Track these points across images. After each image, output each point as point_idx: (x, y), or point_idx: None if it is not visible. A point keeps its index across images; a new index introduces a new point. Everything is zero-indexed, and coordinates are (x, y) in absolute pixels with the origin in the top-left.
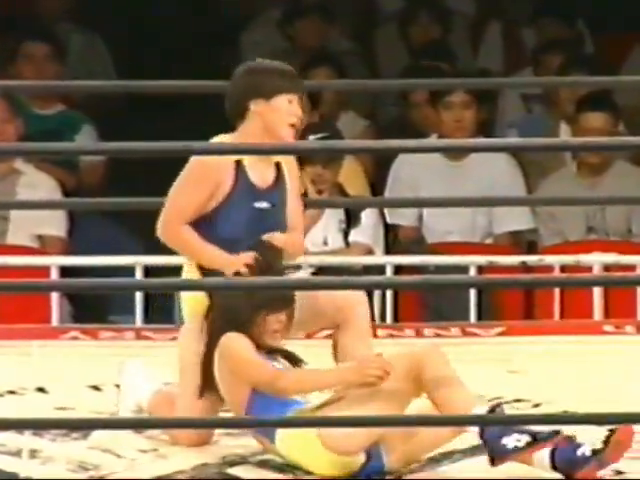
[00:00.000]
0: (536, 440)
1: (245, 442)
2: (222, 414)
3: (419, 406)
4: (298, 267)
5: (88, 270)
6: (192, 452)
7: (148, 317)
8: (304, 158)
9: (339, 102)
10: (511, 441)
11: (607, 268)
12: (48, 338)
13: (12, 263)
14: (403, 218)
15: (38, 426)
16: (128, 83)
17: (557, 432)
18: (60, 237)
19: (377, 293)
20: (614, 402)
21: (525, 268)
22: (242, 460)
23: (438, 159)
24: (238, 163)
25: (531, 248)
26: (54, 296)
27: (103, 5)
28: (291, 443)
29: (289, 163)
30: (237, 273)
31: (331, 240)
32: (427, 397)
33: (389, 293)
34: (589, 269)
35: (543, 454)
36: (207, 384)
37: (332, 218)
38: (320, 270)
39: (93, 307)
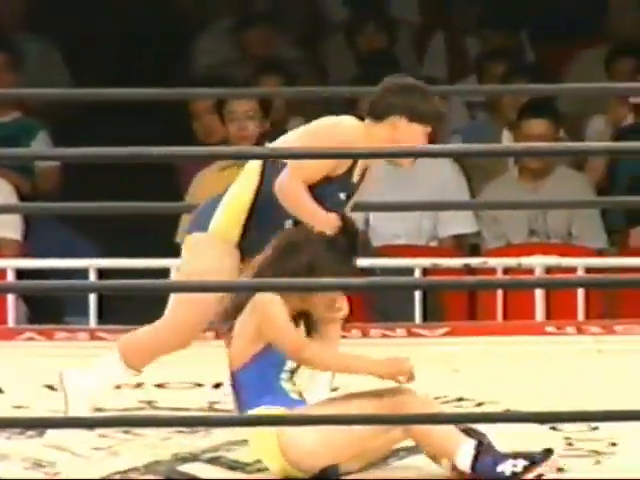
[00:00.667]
0: (533, 462)
1: (197, 440)
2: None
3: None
4: None
5: (43, 272)
6: (144, 449)
7: (102, 318)
8: None
9: (289, 109)
10: (508, 468)
11: (548, 270)
12: (4, 339)
13: None
14: None
15: None
16: (82, 91)
17: (549, 450)
18: (16, 240)
19: None
20: (555, 401)
21: (469, 270)
22: (193, 457)
23: (383, 165)
24: None
25: (474, 251)
26: (10, 298)
27: (58, 15)
28: (253, 432)
29: (372, 169)
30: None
31: None
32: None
33: None
34: (531, 271)
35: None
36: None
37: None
38: None
39: (48, 309)
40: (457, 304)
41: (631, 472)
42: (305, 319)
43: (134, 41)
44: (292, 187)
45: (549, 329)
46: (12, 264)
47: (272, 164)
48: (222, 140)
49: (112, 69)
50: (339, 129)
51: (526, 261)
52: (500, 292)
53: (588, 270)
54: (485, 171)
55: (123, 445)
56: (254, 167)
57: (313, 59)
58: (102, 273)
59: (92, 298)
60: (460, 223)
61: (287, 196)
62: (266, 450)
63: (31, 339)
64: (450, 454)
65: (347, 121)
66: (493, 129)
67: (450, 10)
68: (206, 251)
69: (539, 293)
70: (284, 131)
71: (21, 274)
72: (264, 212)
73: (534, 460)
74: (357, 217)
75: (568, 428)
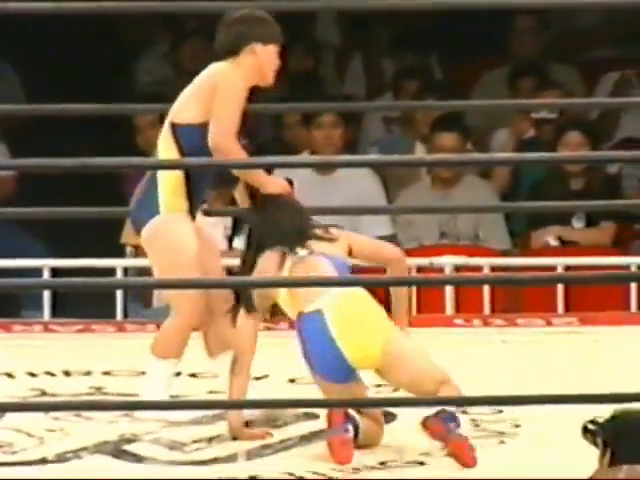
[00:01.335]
0: None
1: (141, 423)
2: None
3: None
4: None
5: (2, 271)
6: (93, 431)
7: (55, 312)
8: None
9: None
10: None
11: (457, 269)
12: None
13: None
14: None
15: None
16: (35, 107)
17: None
18: None
19: None
20: (463, 386)
21: (385, 269)
22: (136, 438)
23: (309, 174)
24: None
25: None
26: None
27: (12, 39)
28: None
29: None
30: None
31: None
32: None
33: None
34: (442, 270)
35: None
36: None
37: (219, 225)
38: None
39: (6, 304)
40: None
41: (533, 450)
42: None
43: (83, 63)
44: (229, 148)
45: (458, 322)
46: None
47: (182, 133)
48: None
49: (62, 88)
50: (230, 81)
51: (437, 261)
52: (414, 289)
53: (493, 269)
54: (400, 179)
55: (74, 427)
56: (166, 144)
57: None
58: (55, 272)
59: (46, 294)
60: (378, 226)
61: (229, 152)
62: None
63: None
64: None
65: (226, 70)
66: (407, 142)
67: (366, 34)
68: (172, 229)
69: (449, 289)
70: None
71: None
72: (197, 176)
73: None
74: None
75: (475, 411)
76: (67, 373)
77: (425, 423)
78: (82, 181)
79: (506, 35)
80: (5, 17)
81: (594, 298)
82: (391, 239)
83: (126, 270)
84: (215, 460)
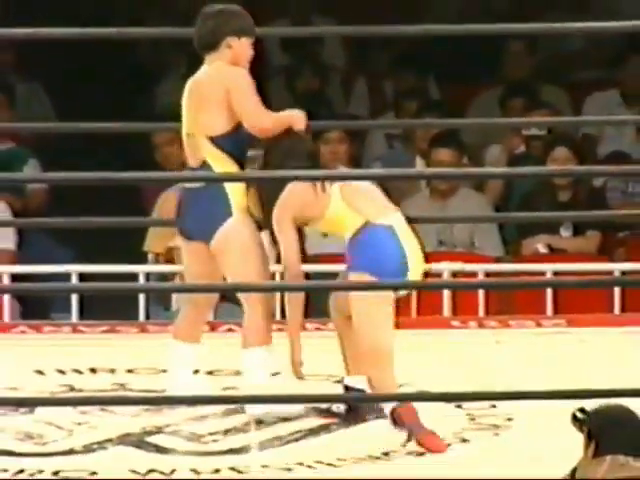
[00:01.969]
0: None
1: (161, 416)
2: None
3: None
4: None
5: (34, 276)
6: (117, 424)
7: (82, 315)
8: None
9: None
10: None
11: (454, 274)
12: (1, 332)
13: None
14: None
15: None
16: (65, 125)
17: None
18: (11, 249)
19: None
20: (460, 383)
21: None
22: (158, 431)
23: None
24: None
25: None
26: (5, 298)
27: (42, 60)
28: None
29: None
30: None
31: None
32: None
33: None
34: (440, 275)
35: None
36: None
37: None
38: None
39: (37, 306)
40: None
41: (524, 441)
42: None
43: (108, 84)
44: (269, 122)
45: (455, 323)
46: (7, 270)
47: (224, 143)
48: (180, 165)
49: (89, 107)
50: (235, 79)
51: (435, 267)
52: (414, 292)
53: (487, 274)
54: (401, 191)
55: (100, 420)
56: (215, 157)
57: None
58: (82, 277)
59: (74, 298)
60: None
61: (274, 130)
62: None
63: (23, 332)
64: None
65: (225, 71)
66: (408, 157)
67: (369, 57)
68: (245, 231)
69: (446, 293)
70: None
71: (15, 278)
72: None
73: None
74: None
75: (471, 406)
76: (93, 370)
77: (394, 413)
78: (107, 193)
79: (498, 58)
80: (38, 42)
81: (581, 301)
82: None
83: (148, 275)
84: (230, 451)
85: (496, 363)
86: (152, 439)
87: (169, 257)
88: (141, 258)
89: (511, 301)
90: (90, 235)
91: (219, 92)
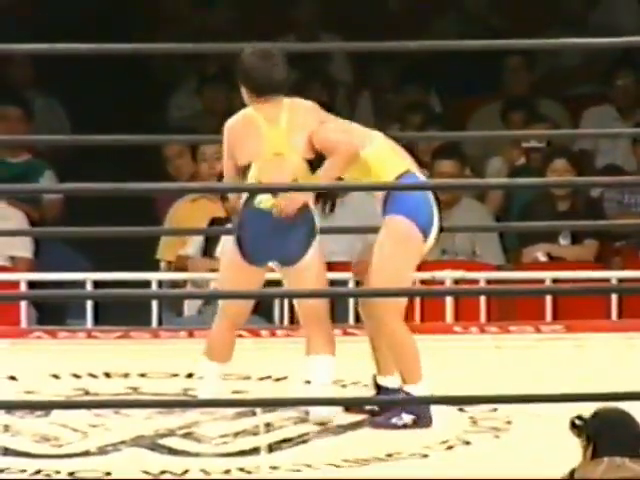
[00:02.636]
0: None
1: (173, 419)
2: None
3: None
4: None
5: (50, 283)
6: (130, 426)
7: (97, 320)
8: None
9: None
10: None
11: (457, 282)
12: (18, 337)
13: None
14: None
15: (10, 407)
16: (80, 137)
17: None
18: (28, 257)
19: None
20: (462, 387)
21: None
22: (170, 433)
23: None
24: None
25: None
26: (23, 304)
27: (59, 75)
28: None
29: None
30: None
31: None
32: None
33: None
34: (442, 283)
35: None
36: None
37: None
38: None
39: (53, 313)
40: None
41: (524, 443)
42: None
43: (122, 98)
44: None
45: (457, 329)
46: (25, 277)
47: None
48: (191, 177)
49: (102, 121)
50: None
51: (439, 274)
52: (418, 299)
53: (489, 282)
54: None
55: (114, 423)
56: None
57: None
58: (96, 284)
59: (89, 304)
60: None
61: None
62: None
63: (39, 337)
64: None
65: (308, 107)
66: None
67: (373, 73)
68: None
69: (449, 300)
70: None
71: (32, 285)
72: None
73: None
74: None
75: (472, 409)
76: (107, 375)
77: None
78: (120, 203)
79: (498, 73)
80: (54, 57)
81: (579, 308)
82: None
83: (160, 282)
84: (240, 453)
85: (497, 367)
86: (164, 441)
87: (180, 265)
88: (154, 266)
89: (511, 307)
90: (104, 244)
91: (312, 124)
